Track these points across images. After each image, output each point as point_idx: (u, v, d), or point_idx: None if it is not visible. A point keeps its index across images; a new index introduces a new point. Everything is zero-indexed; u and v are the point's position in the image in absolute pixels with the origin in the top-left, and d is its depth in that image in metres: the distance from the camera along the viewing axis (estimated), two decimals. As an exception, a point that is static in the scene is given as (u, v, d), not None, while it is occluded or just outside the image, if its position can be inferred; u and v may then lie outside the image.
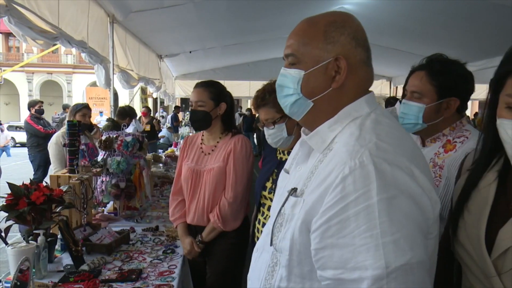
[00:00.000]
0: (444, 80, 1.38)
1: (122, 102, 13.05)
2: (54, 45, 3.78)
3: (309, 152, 0.91)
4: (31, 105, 6.46)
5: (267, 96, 1.64)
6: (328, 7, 6.70)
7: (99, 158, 2.40)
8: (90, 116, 3.44)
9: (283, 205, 0.88)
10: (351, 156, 0.76)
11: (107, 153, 2.41)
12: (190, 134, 8.56)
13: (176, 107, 11.61)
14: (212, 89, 1.93)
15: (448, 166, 1.34)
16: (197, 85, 1.97)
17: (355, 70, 0.87)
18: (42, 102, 6.60)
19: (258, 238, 1.72)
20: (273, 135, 1.65)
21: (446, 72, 1.39)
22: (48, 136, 6.26)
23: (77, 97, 22.94)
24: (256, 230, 1.75)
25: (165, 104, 11.45)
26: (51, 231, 1.90)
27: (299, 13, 6.80)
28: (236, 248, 1.93)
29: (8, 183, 1.75)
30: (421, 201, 0.75)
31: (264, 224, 1.68)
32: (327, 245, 0.75)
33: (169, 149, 5.77)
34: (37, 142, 6.16)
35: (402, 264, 0.70)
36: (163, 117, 10.66)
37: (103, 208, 2.64)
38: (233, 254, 1.93)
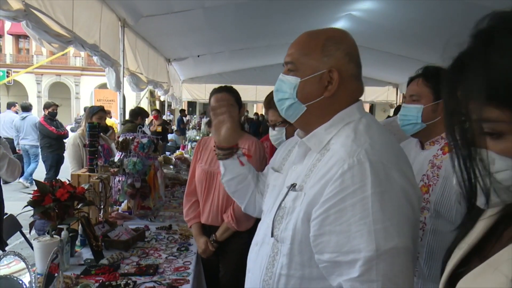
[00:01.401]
0: (438, 82, 1.51)
1: (130, 105, 13.21)
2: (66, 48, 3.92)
3: (305, 153, 1.02)
4: (46, 106, 6.58)
5: None
6: (335, 14, 6.80)
7: (116, 158, 2.50)
8: (105, 119, 3.56)
9: (283, 199, 0.98)
10: (350, 155, 0.88)
11: (123, 154, 2.51)
12: (198, 137, 8.68)
13: (181, 110, 11.73)
14: (234, 94, 2.00)
15: (446, 166, 1.43)
16: (220, 90, 2.01)
17: (346, 83, 0.98)
18: (57, 106, 6.65)
19: None
20: (275, 136, 1.79)
21: (440, 75, 1.51)
22: (60, 138, 6.40)
23: (85, 99, 23.17)
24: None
25: (172, 107, 11.58)
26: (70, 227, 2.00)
27: (306, 20, 6.90)
28: (249, 247, 2.00)
29: (35, 180, 1.86)
30: (410, 195, 0.87)
31: None
32: (325, 232, 0.86)
33: (178, 152, 5.86)
34: (50, 143, 6.29)
35: (390, 247, 0.81)
36: (170, 120, 10.79)
37: (118, 206, 2.74)
38: (246, 253, 2.00)
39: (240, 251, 2.00)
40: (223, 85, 2.08)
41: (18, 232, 2.83)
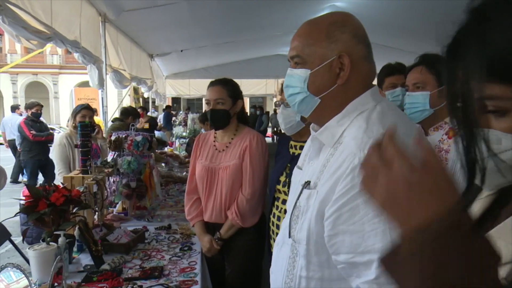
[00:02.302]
0: (440, 68, 1.51)
1: (111, 103, 12.93)
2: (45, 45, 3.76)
3: (320, 147, 0.96)
4: (28, 107, 6.18)
5: None
6: (319, 5, 6.76)
7: (109, 158, 2.40)
8: (91, 117, 3.42)
9: (298, 198, 0.94)
10: (360, 148, 0.82)
11: (116, 153, 2.41)
12: (184, 133, 8.55)
13: (167, 106, 11.56)
14: (229, 87, 1.94)
15: (454, 149, 1.42)
16: (214, 83, 1.97)
17: (358, 66, 0.92)
18: (41, 106, 6.27)
19: (273, 232, 1.75)
20: (288, 115, 1.67)
21: (441, 62, 1.50)
22: (41, 143, 6.03)
23: (64, 99, 22.59)
24: (271, 224, 1.78)
25: (156, 103, 11.40)
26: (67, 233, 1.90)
27: (290, 12, 6.84)
28: (255, 243, 1.96)
29: (26, 184, 1.75)
30: None
31: (279, 218, 1.72)
32: (339, 232, 0.81)
33: (168, 149, 5.74)
34: (29, 146, 5.91)
35: None
36: (155, 117, 10.63)
37: (113, 208, 2.64)
38: (252, 249, 1.95)
39: (246, 248, 1.95)
40: (221, 77, 2.01)
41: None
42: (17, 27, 2.82)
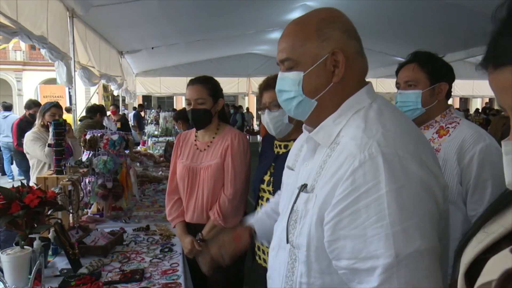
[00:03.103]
0: (433, 67, 1.54)
1: (80, 100, 12.53)
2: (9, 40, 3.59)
3: (315, 148, 0.92)
4: (27, 106, 5.69)
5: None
6: (291, 4, 6.82)
7: (84, 158, 2.32)
8: (60, 115, 3.29)
9: (295, 202, 0.90)
10: (360, 149, 0.78)
11: (91, 152, 2.33)
12: (156, 132, 8.39)
13: (139, 105, 11.32)
14: (210, 86, 1.91)
15: (445, 148, 1.46)
16: (194, 82, 1.92)
17: (352, 62, 0.89)
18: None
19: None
20: (275, 119, 1.66)
21: (433, 61, 1.57)
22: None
23: (28, 96, 21.57)
24: None
25: (126, 101, 11.12)
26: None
27: (262, 10, 6.87)
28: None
29: (-2, 186, 1.66)
30: (431, 187, 0.77)
31: None
32: (340, 237, 0.78)
33: (142, 147, 5.62)
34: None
35: (411, 251, 0.72)
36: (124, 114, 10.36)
37: (88, 210, 2.55)
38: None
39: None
40: (201, 75, 1.98)
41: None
42: (-20, 21, 2.70)
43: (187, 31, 7.87)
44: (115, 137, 2.32)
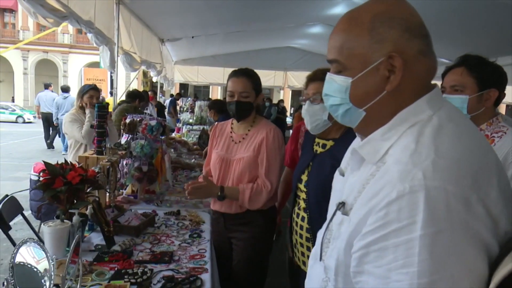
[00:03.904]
0: (483, 72, 1.46)
1: (120, 85, 12.97)
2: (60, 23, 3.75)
3: (362, 160, 0.81)
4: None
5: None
6: (335, -1, 6.68)
7: (123, 140, 2.41)
8: (98, 98, 3.40)
9: (331, 220, 0.85)
10: (401, 179, 0.67)
11: (130, 136, 2.41)
12: (191, 120, 8.53)
13: (177, 94, 11.56)
14: (254, 79, 1.92)
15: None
16: (238, 74, 1.92)
17: (412, 66, 0.75)
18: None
19: (294, 230, 1.74)
20: (314, 112, 1.61)
21: (484, 65, 1.49)
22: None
23: (73, 78, 22.59)
24: (293, 221, 1.77)
25: (164, 88, 11.39)
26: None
27: (304, 4, 6.77)
28: (263, 236, 1.97)
29: (44, 162, 1.76)
30: (481, 235, 0.65)
31: (298, 215, 1.71)
32: (364, 271, 0.71)
33: (176, 134, 5.75)
34: None
35: None
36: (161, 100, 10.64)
37: (123, 190, 2.66)
38: (260, 242, 1.96)
39: (254, 240, 1.96)
40: (243, 67, 1.99)
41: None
42: (35, 4, 2.84)
43: (227, 21, 7.92)
44: (153, 122, 2.40)
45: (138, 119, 2.43)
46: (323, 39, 9.85)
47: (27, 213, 2.86)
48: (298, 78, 12.46)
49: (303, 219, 1.69)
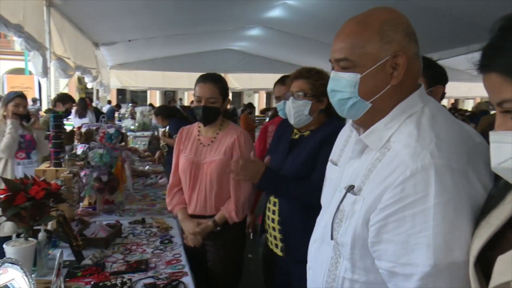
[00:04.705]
0: (431, 71, 1.62)
1: (50, 92, 12.11)
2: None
3: (363, 149, 0.94)
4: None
5: (313, 72, 1.73)
6: (272, 2, 6.88)
7: (79, 151, 2.31)
8: (25, 106, 3.17)
9: (341, 202, 0.93)
10: (413, 159, 0.80)
11: (87, 145, 2.32)
12: (132, 127, 8.25)
13: (117, 105, 11.10)
14: (222, 85, 1.95)
15: None
16: (206, 80, 1.94)
17: (411, 64, 0.89)
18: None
19: (268, 216, 1.80)
20: (298, 108, 1.70)
21: (431, 65, 1.66)
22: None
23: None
24: (266, 208, 1.83)
25: (100, 95, 10.86)
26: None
27: (242, 7, 6.90)
28: (237, 234, 2.01)
29: (2, 178, 1.65)
30: (478, 201, 0.79)
31: (273, 211, 1.78)
32: (383, 240, 0.82)
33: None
34: None
35: (449, 262, 0.76)
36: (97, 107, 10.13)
37: (81, 203, 2.53)
38: (235, 241, 2.00)
39: (229, 240, 1.99)
40: (211, 72, 2.01)
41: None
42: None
43: (167, 25, 7.79)
44: (111, 130, 2.32)
45: (94, 128, 2.34)
46: (262, 41, 10.08)
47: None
48: (239, 80, 12.59)
49: (274, 204, 1.78)
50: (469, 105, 17.83)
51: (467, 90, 12.39)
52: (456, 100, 18.77)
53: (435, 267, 0.76)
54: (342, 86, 0.92)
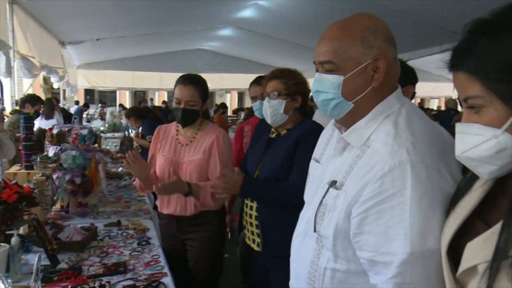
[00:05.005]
0: (402, 72, 1.68)
1: (10, 94, 11.62)
2: None
3: (345, 146, 1.00)
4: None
5: (285, 72, 1.77)
6: (243, 2, 6.91)
7: (51, 153, 2.24)
8: None
9: (324, 196, 0.98)
10: (391, 156, 0.86)
11: (59, 147, 2.26)
12: (102, 127, 8.06)
13: (85, 104, 10.78)
14: (202, 88, 1.95)
15: None
16: (186, 82, 1.93)
17: (390, 68, 0.96)
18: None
19: (246, 212, 1.83)
20: (273, 107, 1.73)
21: (401, 66, 1.72)
22: None
23: None
24: (244, 214, 1.85)
25: (67, 95, 10.53)
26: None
27: (213, 7, 6.88)
28: (217, 234, 2.02)
29: (-29, 182, 1.59)
30: (449, 194, 0.85)
31: (251, 207, 1.81)
32: (364, 231, 0.88)
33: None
34: None
35: (424, 250, 0.82)
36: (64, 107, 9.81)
37: (53, 206, 2.46)
38: (215, 240, 2.01)
39: (208, 239, 2.00)
40: (192, 73, 2.01)
41: None
42: None
43: (136, 24, 7.65)
44: (84, 131, 2.27)
45: (66, 129, 2.28)
46: (233, 41, 10.08)
47: None
48: (210, 80, 12.45)
49: (252, 200, 1.80)
50: (434, 104, 18.53)
51: (432, 90, 12.86)
52: (422, 100, 19.46)
53: (412, 255, 0.82)
54: (326, 87, 0.97)
